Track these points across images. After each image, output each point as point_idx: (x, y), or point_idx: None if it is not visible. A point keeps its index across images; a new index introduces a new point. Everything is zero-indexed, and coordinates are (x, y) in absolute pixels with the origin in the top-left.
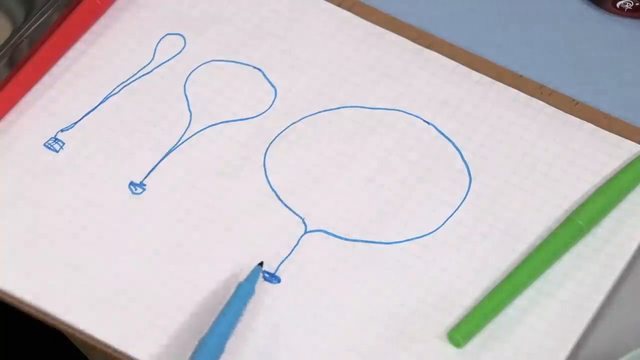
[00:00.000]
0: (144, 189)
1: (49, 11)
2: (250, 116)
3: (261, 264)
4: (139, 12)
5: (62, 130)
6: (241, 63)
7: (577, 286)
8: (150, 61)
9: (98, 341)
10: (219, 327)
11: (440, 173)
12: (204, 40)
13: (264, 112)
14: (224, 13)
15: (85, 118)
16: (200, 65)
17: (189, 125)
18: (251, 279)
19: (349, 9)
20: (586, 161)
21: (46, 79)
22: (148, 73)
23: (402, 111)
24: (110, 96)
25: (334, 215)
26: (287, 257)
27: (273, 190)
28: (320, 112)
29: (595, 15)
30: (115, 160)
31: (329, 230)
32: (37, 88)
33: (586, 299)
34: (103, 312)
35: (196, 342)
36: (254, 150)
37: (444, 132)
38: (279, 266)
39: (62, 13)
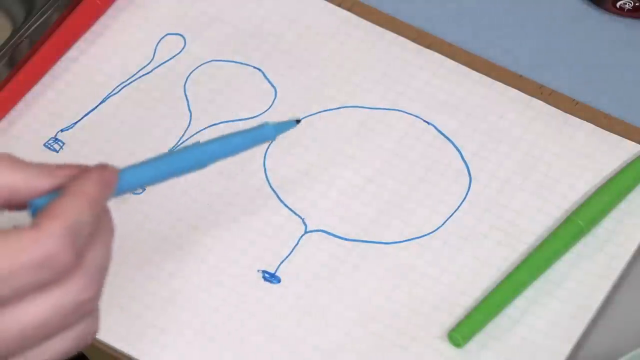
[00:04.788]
0: (144, 189)
1: (49, 11)
2: (250, 116)
3: (298, 121)
4: (139, 12)
5: (62, 130)
6: (241, 63)
7: (577, 286)
8: (150, 61)
9: (98, 341)
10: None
11: (440, 173)
12: (204, 40)
13: (264, 112)
14: (224, 13)
15: (85, 118)
16: (200, 65)
17: (189, 125)
18: (281, 126)
19: (349, 9)
20: (586, 161)
21: (46, 79)
22: (148, 73)
23: (402, 111)
24: (110, 96)
25: (334, 215)
26: (287, 257)
27: (273, 190)
28: (320, 112)
29: (595, 15)
30: (115, 160)
31: (329, 230)
32: (37, 88)
33: (586, 299)
34: (103, 312)
35: (196, 342)
36: (254, 150)
37: (444, 132)
38: (279, 266)
39: (62, 13)
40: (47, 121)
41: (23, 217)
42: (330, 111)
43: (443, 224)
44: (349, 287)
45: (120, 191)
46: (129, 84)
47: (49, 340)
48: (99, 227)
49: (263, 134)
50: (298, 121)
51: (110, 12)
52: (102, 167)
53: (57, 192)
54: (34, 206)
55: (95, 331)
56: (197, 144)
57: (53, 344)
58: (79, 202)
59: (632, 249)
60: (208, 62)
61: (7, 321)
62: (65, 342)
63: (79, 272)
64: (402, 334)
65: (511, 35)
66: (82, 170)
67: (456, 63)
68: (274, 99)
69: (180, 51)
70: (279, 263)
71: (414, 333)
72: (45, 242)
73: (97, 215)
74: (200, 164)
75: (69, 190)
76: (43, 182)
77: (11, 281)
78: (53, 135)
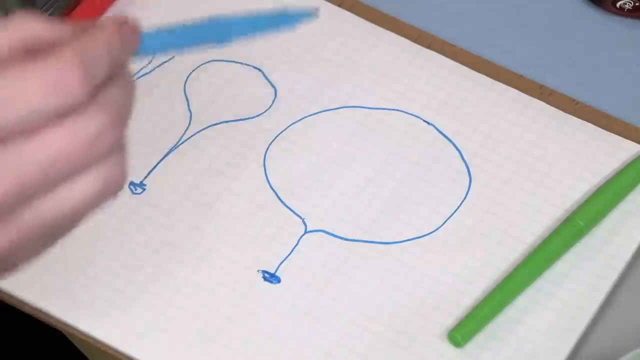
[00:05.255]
0: (144, 189)
1: (49, 11)
2: (250, 116)
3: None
4: (139, 12)
5: None
6: (241, 63)
7: (577, 286)
8: (150, 61)
9: (98, 341)
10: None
11: (440, 173)
12: None
13: (264, 112)
14: (224, 13)
15: None
16: (200, 65)
17: (189, 125)
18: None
19: (349, 9)
20: (586, 161)
21: None
22: (148, 73)
23: (402, 111)
24: None
25: (334, 215)
26: (287, 257)
27: (273, 190)
28: (320, 112)
29: (595, 15)
30: None
31: (329, 230)
32: None
33: (586, 299)
34: (103, 312)
35: (196, 342)
36: (254, 150)
37: (444, 132)
38: (279, 266)
39: (62, 13)
40: None
41: None
42: (330, 111)
43: (443, 224)
44: (349, 287)
45: (141, 50)
46: None
47: (74, 178)
48: (117, 72)
49: (284, 19)
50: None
51: (110, 12)
52: (125, 18)
53: None
54: None
55: (123, 174)
56: (219, 17)
57: (80, 182)
58: (97, 37)
59: (632, 249)
60: (208, 62)
61: (27, 153)
62: (93, 181)
63: (95, 105)
64: (402, 334)
65: (511, 35)
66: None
67: (456, 63)
68: (274, 99)
69: None
70: (279, 263)
71: (414, 333)
72: (56, 66)
73: (115, 55)
74: (221, 37)
75: (88, 29)
76: (65, 32)
77: (22, 110)
78: None
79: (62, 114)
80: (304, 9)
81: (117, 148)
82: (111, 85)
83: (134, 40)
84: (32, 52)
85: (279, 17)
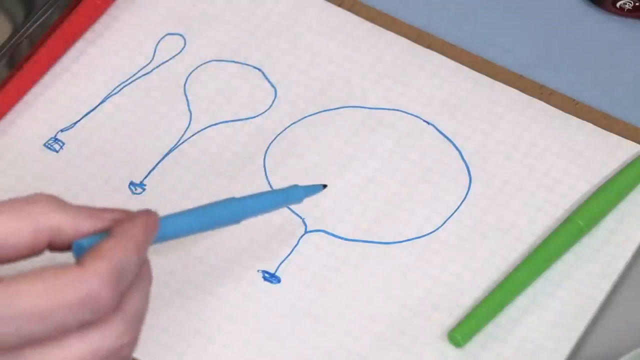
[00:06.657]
0: (143, 189)
1: (49, 11)
2: (250, 116)
3: (324, 186)
4: (139, 12)
5: (62, 130)
6: (241, 63)
7: (577, 286)
8: (150, 61)
9: None
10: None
11: (440, 173)
12: (204, 40)
13: (264, 112)
14: (224, 13)
15: (85, 118)
16: (200, 65)
17: (189, 125)
18: (309, 189)
19: (349, 9)
20: (586, 161)
21: (46, 79)
22: (148, 73)
23: (402, 111)
24: (110, 96)
25: (334, 215)
26: (287, 257)
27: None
28: (320, 112)
29: (595, 15)
30: (115, 160)
31: (329, 230)
32: (37, 88)
33: (586, 299)
34: None
35: (196, 342)
36: (254, 150)
37: (444, 132)
38: (279, 266)
39: (62, 13)
40: (47, 121)
41: (65, 258)
42: (330, 111)
43: (443, 224)
44: (349, 287)
45: (157, 239)
46: (129, 84)
47: None
48: (140, 273)
49: (293, 194)
50: (324, 186)
51: (110, 12)
52: (147, 212)
53: (100, 234)
54: (78, 247)
55: None
56: (232, 199)
57: None
58: (126, 245)
59: (632, 249)
60: (208, 62)
61: (50, 357)
62: None
63: (118, 316)
64: (402, 334)
65: (511, 35)
66: (127, 214)
67: (456, 63)
68: (274, 99)
69: (180, 51)
70: (279, 263)
71: (414, 333)
72: (89, 281)
73: (141, 259)
74: (235, 219)
75: (115, 233)
76: (87, 224)
77: (52, 319)
78: (53, 135)
79: (87, 324)
80: (314, 186)
81: (129, 353)
82: (135, 288)
83: (155, 232)
84: (55, 246)
85: (289, 192)
